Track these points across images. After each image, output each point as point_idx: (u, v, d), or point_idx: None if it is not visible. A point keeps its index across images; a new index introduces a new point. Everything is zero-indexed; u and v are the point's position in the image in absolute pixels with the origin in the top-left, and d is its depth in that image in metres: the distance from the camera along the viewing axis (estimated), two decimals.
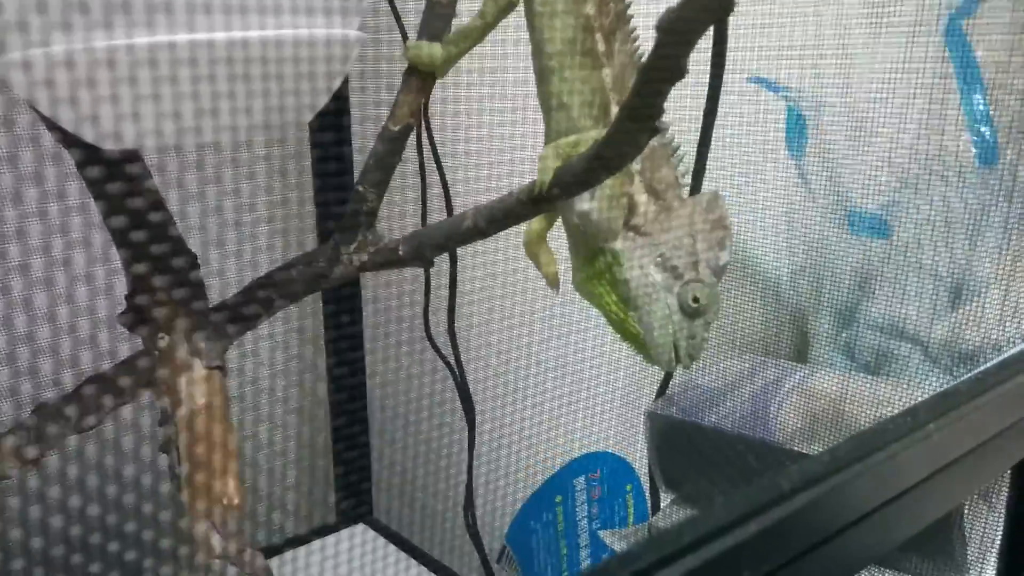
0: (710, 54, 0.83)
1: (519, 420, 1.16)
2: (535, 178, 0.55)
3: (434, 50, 0.58)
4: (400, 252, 0.61)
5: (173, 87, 0.44)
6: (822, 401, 0.92)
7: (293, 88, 0.50)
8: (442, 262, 1.02)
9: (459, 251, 1.01)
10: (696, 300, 0.57)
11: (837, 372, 1.06)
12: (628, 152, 0.50)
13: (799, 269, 1.56)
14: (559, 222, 0.63)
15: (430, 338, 1.04)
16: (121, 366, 0.61)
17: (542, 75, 0.59)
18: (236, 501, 0.54)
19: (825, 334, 1.54)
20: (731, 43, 1.12)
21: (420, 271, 1.02)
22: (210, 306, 0.60)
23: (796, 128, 1.51)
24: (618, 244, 0.58)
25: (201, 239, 0.79)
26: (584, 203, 0.58)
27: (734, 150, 1.32)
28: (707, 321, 0.58)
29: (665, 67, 0.44)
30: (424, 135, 0.88)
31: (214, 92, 0.46)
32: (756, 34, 1.34)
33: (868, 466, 0.38)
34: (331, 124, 0.88)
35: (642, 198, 0.59)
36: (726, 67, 1.09)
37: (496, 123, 1.00)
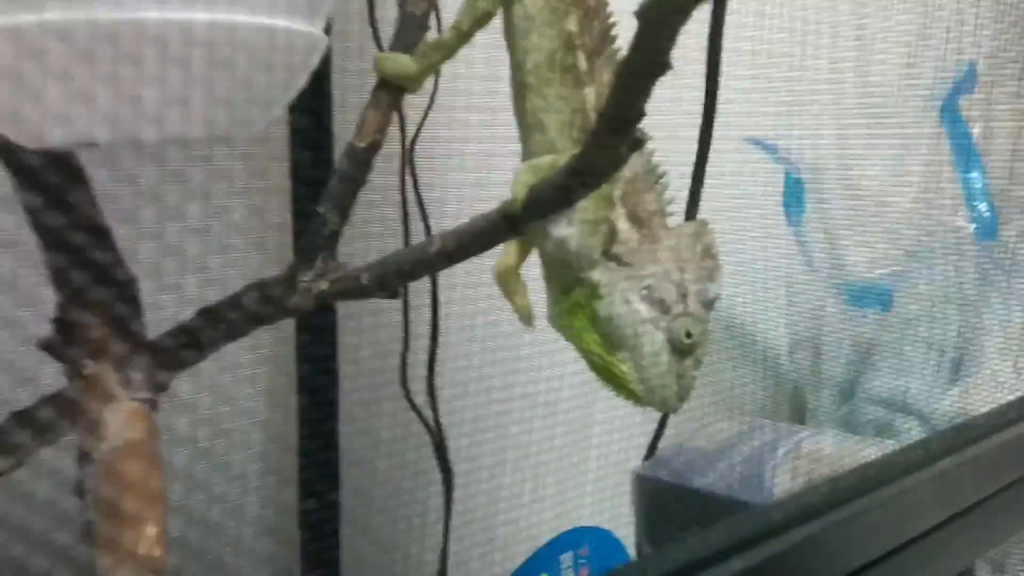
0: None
1: (500, 485, 1.09)
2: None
3: (405, 62, 0.54)
4: (363, 280, 0.56)
5: (93, 70, 0.40)
6: (822, 464, 0.85)
7: (245, 82, 0.45)
8: (423, 307, 0.97)
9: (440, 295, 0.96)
10: (688, 335, 0.52)
11: (838, 434, 1.00)
12: (607, 166, 0.45)
13: (797, 340, 1.51)
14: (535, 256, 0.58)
15: (407, 394, 0.98)
16: (49, 400, 0.55)
17: (519, 91, 0.55)
18: (156, 554, 0.48)
19: (824, 407, 1.48)
20: (727, 102, 1.10)
21: (400, 316, 0.97)
22: (148, 333, 0.55)
23: (794, 194, 1.48)
24: (596, 274, 0.53)
25: (156, 248, 0.73)
26: (561, 229, 0.53)
27: (729, 213, 1.28)
28: (697, 359, 0.53)
29: (646, 61, 0.40)
30: (406, 162, 0.84)
31: (147, 79, 0.41)
32: (753, 95, 1.32)
33: (875, 501, 0.33)
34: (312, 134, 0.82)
35: (624, 226, 0.54)
36: (721, 127, 1.06)
37: (484, 151, 0.95)
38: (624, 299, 0.53)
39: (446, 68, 0.62)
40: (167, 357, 0.55)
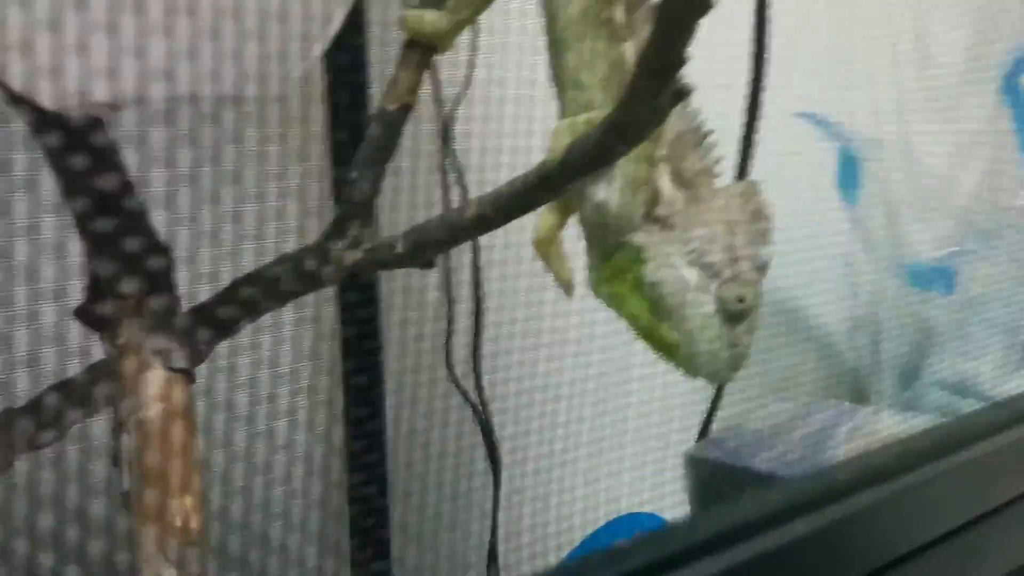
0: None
1: (550, 466, 1.07)
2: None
3: (433, 19, 0.53)
4: (398, 249, 0.55)
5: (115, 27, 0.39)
6: (883, 443, 0.81)
7: (276, 33, 0.44)
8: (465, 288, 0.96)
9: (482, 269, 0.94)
10: (740, 300, 0.49)
11: (902, 414, 0.96)
12: (648, 119, 0.43)
13: (856, 322, 1.46)
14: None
15: (452, 374, 0.97)
16: (88, 371, 0.55)
17: (555, 48, 0.52)
18: (193, 525, 0.47)
19: (886, 390, 1.43)
20: (776, 74, 1.06)
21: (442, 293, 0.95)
22: (182, 304, 0.54)
23: (849, 171, 1.43)
24: (640, 237, 0.51)
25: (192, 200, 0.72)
26: (601, 191, 0.50)
27: (780, 191, 1.24)
28: (750, 326, 0.50)
29: (685, 0, 0.37)
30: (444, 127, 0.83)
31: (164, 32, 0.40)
32: (804, 67, 1.27)
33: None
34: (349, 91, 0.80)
35: (668, 187, 0.51)
36: (770, 101, 1.02)
37: (526, 117, 0.93)
38: (669, 263, 0.50)
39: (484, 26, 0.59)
40: (202, 328, 0.54)
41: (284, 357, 0.87)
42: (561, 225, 0.56)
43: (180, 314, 0.53)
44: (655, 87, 0.41)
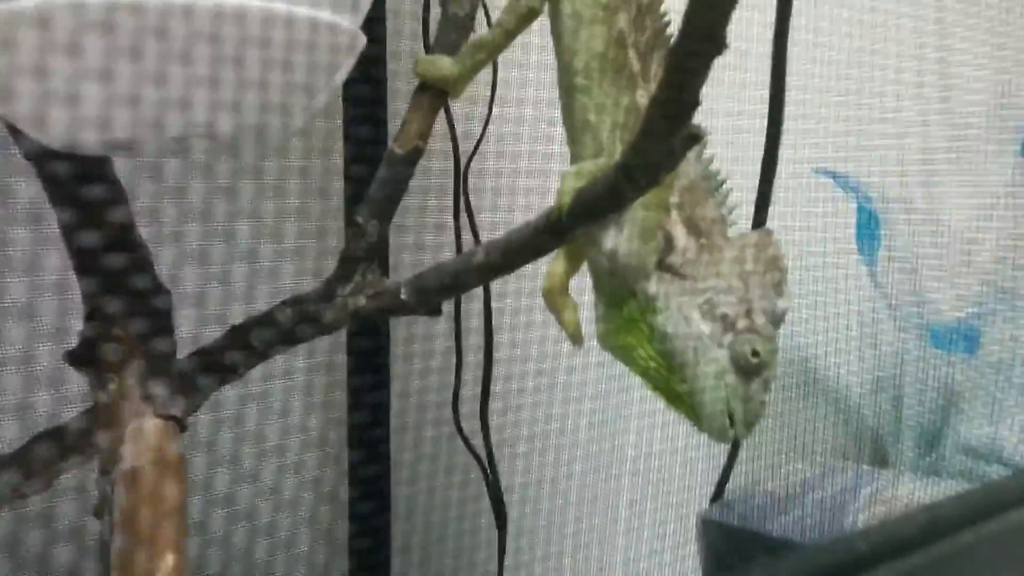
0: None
1: (560, 523, 1.03)
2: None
3: (445, 64, 0.52)
4: (403, 296, 0.53)
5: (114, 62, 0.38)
6: (906, 509, 0.78)
7: (281, 74, 0.43)
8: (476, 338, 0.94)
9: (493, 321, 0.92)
10: (755, 354, 0.47)
11: (925, 479, 0.92)
12: (660, 162, 0.41)
13: (876, 383, 1.43)
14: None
15: (459, 429, 0.94)
16: (77, 418, 0.53)
17: (568, 93, 0.51)
18: None
19: (908, 453, 1.39)
20: (795, 131, 1.05)
21: (452, 343, 0.93)
22: (177, 348, 0.52)
23: (868, 228, 1.41)
24: (651, 287, 0.49)
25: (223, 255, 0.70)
26: (611, 238, 0.49)
27: (798, 247, 1.22)
28: (766, 380, 0.48)
29: (701, 38, 0.36)
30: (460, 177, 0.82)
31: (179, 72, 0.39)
32: (823, 124, 1.27)
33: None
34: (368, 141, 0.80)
35: (681, 234, 0.50)
36: (788, 157, 1.02)
37: (540, 167, 0.92)
38: (682, 314, 0.48)
39: (502, 75, 0.58)
40: (198, 375, 0.53)
41: (295, 407, 0.85)
42: (571, 274, 0.54)
43: (176, 359, 0.51)
44: (668, 129, 0.39)
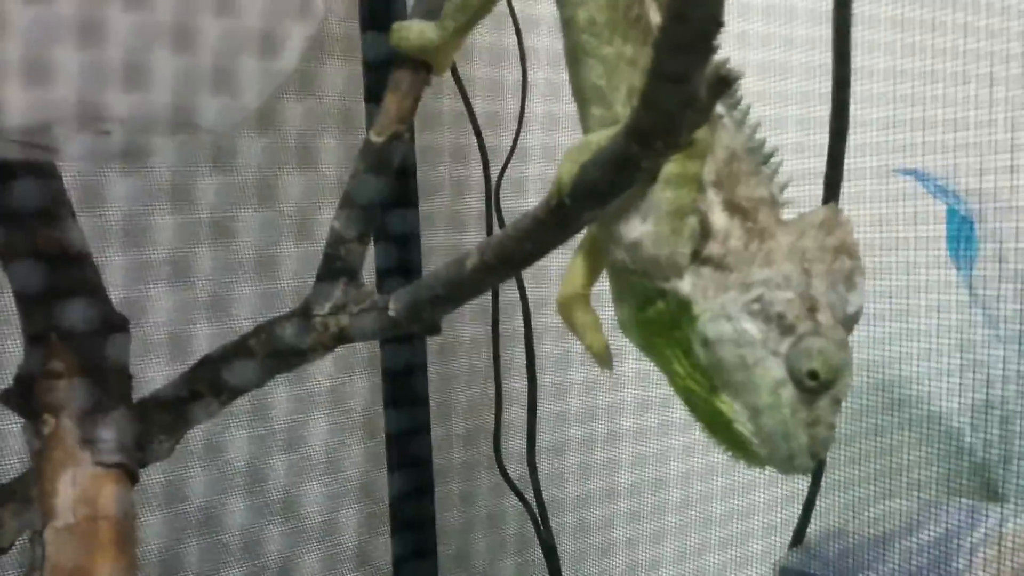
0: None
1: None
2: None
3: (425, 31, 0.43)
4: (391, 312, 0.45)
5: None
6: None
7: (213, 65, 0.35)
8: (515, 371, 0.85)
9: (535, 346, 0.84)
10: (817, 364, 0.37)
11: None
12: (679, 115, 0.32)
13: (979, 406, 1.28)
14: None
15: (503, 471, 0.85)
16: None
17: (575, 56, 0.42)
18: None
19: (1021, 485, 1.23)
20: (870, 127, 0.95)
21: (491, 378, 0.85)
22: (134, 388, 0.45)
23: (962, 234, 1.28)
24: (685, 285, 0.39)
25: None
26: (634, 227, 0.39)
27: (879, 256, 1.10)
28: (835, 397, 0.38)
29: None
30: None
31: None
32: (905, 120, 1.14)
33: None
34: None
35: (720, 218, 0.40)
36: (865, 155, 0.92)
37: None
38: (725, 316, 0.39)
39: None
40: (157, 415, 0.45)
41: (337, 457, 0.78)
42: (592, 281, 0.45)
43: (127, 398, 0.44)
44: (685, 66, 0.30)
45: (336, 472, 0.79)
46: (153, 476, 0.67)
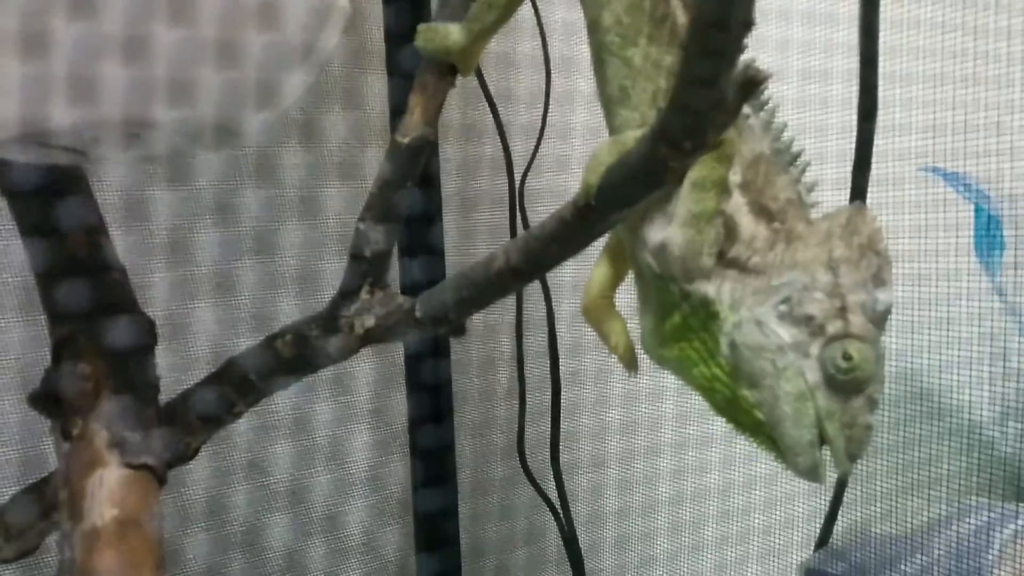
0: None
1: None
2: None
3: (450, 32, 0.43)
4: (417, 314, 0.45)
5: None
6: None
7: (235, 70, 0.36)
8: (540, 373, 0.85)
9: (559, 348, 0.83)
10: (850, 364, 0.37)
11: None
12: (708, 117, 0.32)
13: (1008, 406, 1.27)
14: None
15: (527, 472, 0.85)
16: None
17: (600, 57, 0.42)
18: None
19: None
20: (898, 127, 0.94)
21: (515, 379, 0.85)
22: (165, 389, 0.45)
23: (988, 233, 1.26)
24: (712, 287, 0.39)
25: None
26: (658, 229, 0.39)
27: (906, 256, 1.09)
28: (871, 397, 0.37)
29: None
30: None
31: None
32: (931, 118, 1.13)
33: None
34: None
35: (746, 220, 0.40)
36: (891, 154, 0.91)
37: None
38: (754, 319, 0.38)
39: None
40: (184, 417, 0.45)
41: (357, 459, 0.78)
42: (617, 283, 0.45)
43: (155, 399, 0.44)
44: (714, 69, 0.30)
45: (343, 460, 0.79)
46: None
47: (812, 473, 0.38)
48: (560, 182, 0.85)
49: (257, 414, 0.65)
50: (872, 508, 0.80)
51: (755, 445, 0.40)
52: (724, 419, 0.40)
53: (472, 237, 0.84)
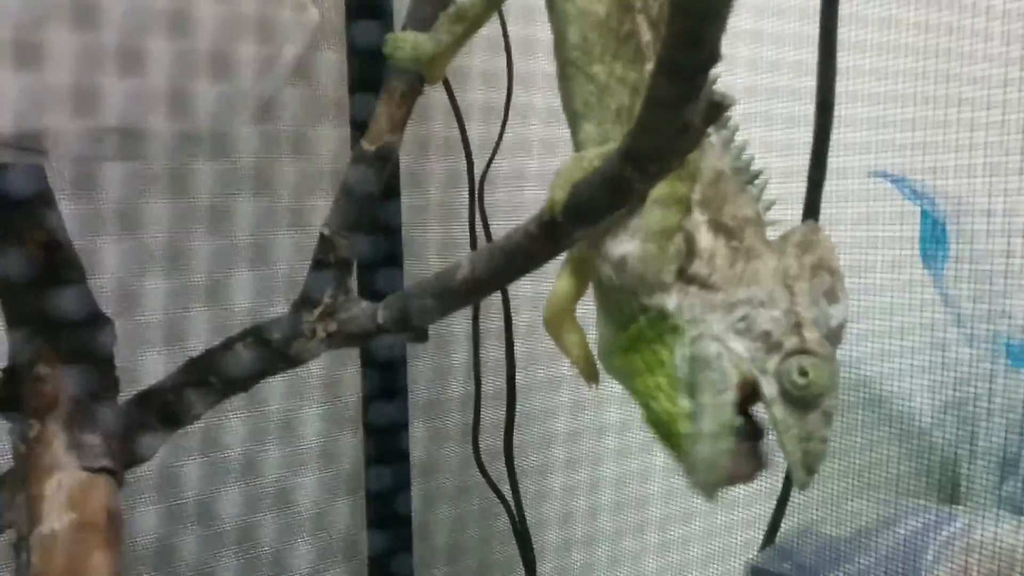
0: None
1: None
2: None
3: (420, 42, 0.44)
4: (379, 320, 0.45)
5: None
6: (995, 558, 0.67)
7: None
8: (495, 372, 0.86)
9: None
10: (806, 380, 0.38)
11: (1016, 518, 0.81)
12: (673, 142, 0.33)
13: (946, 406, 1.31)
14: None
15: (481, 466, 0.86)
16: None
17: (566, 71, 0.43)
18: None
19: (981, 484, 1.26)
20: (848, 129, 0.96)
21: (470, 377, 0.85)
22: (120, 389, 0.45)
23: (934, 236, 1.30)
24: (671, 302, 0.40)
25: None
26: (620, 244, 0.40)
27: (853, 258, 1.11)
28: (826, 411, 0.38)
29: None
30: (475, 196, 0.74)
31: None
32: (880, 123, 1.16)
33: None
34: None
35: (706, 237, 0.41)
36: (841, 158, 0.94)
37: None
38: (712, 335, 0.39)
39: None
40: (144, 418, 0.45)
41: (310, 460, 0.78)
42: (578, 295, 0.46)
43: (114, 400, 0.44)
44: (680, 96, 0.31)
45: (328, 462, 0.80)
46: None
47: (707, 489, 0.39)
48: (517, 196, 0.86)
49: None
50: (818, 511, 0.82)
51: (667, 454, 0.41)
52: (650, 427, 0.41)
53: (430, 248, 0.84)
